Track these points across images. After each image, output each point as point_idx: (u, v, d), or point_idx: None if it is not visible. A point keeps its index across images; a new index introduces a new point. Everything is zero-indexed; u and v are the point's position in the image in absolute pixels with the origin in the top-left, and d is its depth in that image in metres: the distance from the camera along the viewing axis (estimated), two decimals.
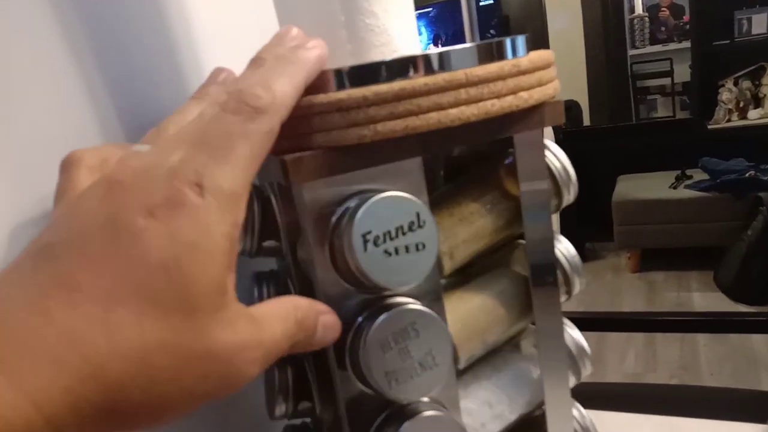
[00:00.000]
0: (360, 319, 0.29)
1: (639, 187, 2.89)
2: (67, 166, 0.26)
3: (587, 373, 0.39)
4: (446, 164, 0.39)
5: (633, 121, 3.58)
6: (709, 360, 2.14)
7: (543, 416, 0.38)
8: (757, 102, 3.05)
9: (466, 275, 0.38)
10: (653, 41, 3.56)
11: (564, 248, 0.37)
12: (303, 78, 0.26)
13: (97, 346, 0.18)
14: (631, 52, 3.60)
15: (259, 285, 0.39)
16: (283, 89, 0.25)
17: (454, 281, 0.38)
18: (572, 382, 0.39)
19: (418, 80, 0.28)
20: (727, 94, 3.08)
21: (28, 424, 0.17)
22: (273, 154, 0.30)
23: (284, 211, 0.33)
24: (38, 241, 0.21)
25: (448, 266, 0.35)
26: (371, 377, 0.28)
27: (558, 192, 0.35)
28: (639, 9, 3.53)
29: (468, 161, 0.39)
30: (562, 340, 0.37)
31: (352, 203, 0.28)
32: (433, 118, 0.28)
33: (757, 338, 2.19)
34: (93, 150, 0.27)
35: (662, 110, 3.65)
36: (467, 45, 0.30)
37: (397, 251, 0.27)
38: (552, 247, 0.36)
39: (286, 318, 0.24)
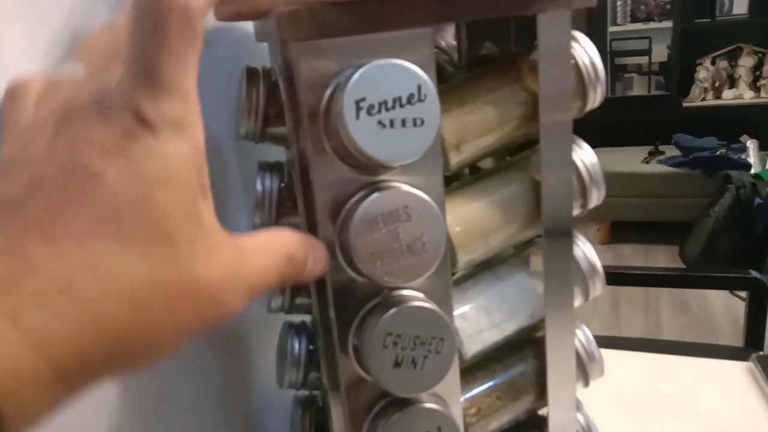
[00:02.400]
0: (353, 200, 0.28)
1: (612, 161, 2.91)
2: (13, 94, 0.24)
3: (596, 293, 0.36)
4: (469, 61, 0.36)
5: (608, 95, 3.59)
6: (672, 330, 2.18)
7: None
8: (732, 82, 3.09)
9: (477, 176, 0.35)
10: (634, 19, 3.54)
11: (585, 155, 0.34)
12: None
13: (88, 290, 0.18)
14: (611, 28, 3.58)
15: (263, 175, 0.36)
16: None
17: (463, 182, 0.35)
18: (579, 301, 0.37)
19: None
20: (704, 72, 3.10)
21: (34, 369, 0.17)
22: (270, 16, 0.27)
23: (289, 93, 0.29)
24: None
25: (455, 160, 0.32)
26: (356, 255, 0.27)
27: (583, 92, 0.32)
28: None
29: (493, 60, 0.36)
30: (569, 252, 0.35)
31: (349, 72, 0.26)
32: None
33: (718, 310, 2.25)
34: (41, 76, 0.24)
35: (638, 89, 3.65)
36: None
37: (392, 123, 0.25)
38: (569, 150, 0.33)
39: (275, 252, 0.23)
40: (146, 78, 0.19)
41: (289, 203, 0.38)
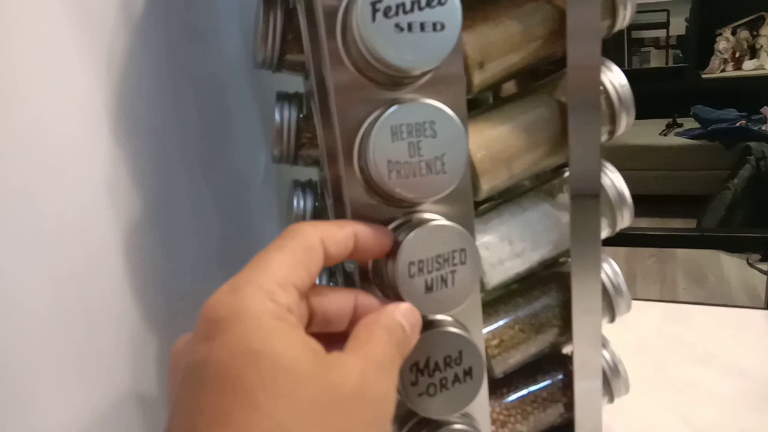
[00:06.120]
0: (378, 111, 0.27)
1: (629, 133, 2.79)
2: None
3: (624, 224, 0.35)
4: None
5: (624, 67, 3.52)
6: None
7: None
8: (753, 53, 3.01)
9: (501, 101, 0.34)
10: None
11: (615, 78, 0.32)
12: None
13: None
14: None
15: (281, 105, 0.36)
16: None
17: (487, 107, 0.34)
18: (606, 232, 0.36)
19: None
20: (724, 43, 3.02)
21: None
22: None
23: (306, 6, 0.28)
24: None
25: (478, 79, 0.30)
26: (373, 161, 0.26)
27: (613, 9, 0.31)
28: None
29: None
30: (597, 180, 0.34)
31: None
32: None
33: (735, 284, 2.22)
34: None
35: (655, 63, 3.59)
36: None
37: (410, 27, 0.24)
38: (597, 73, 0.32)
39: (375, 338, 0.24)
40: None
41: (308, 134, 0.37)
